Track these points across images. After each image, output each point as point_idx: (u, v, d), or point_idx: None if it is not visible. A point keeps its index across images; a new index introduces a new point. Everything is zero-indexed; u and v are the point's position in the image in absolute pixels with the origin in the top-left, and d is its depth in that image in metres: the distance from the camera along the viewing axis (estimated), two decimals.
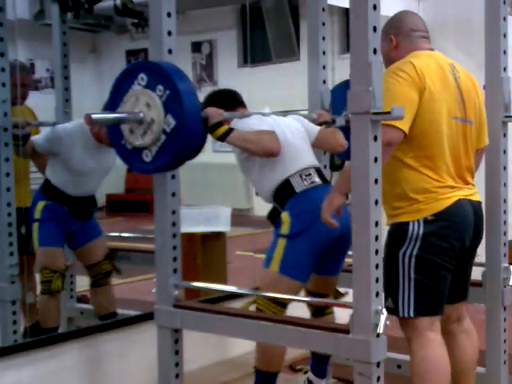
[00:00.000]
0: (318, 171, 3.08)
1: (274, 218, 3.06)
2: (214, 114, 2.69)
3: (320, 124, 3.21)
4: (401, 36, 2.70)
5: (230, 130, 2.76)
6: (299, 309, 3.21)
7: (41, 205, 3.66)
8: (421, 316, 2.58)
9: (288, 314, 2.83)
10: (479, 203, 2.73)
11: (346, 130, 3.03)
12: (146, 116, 2.45)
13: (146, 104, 2.45)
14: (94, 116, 2.41)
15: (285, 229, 2.93)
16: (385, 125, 2.37)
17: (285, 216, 2.95)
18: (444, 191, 2.58)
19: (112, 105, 2.57)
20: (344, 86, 3.34)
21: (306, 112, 3.36)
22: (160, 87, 2.43)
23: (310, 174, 3.02)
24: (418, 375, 2.57)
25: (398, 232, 2.60)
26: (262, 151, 2.87)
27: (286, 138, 3.00)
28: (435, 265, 2.58)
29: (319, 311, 3.24)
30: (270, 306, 2.87)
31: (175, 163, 2.53)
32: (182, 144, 2.44)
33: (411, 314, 2.57)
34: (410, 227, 2.56)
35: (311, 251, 2.94)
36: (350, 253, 2.71)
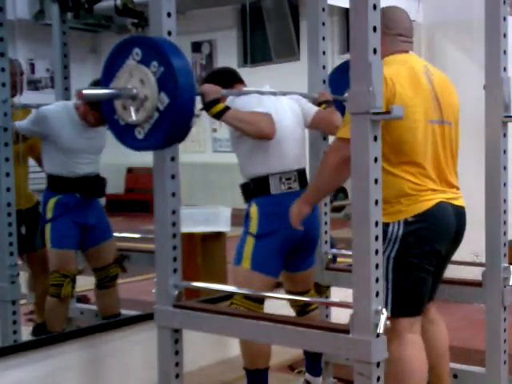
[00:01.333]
0: (301, 174, 3.09)
1: (245, 190, 3.09)
2: (211, 90, 2.65)
3: (320, 103, 3.21)
4: (387, 37, 2.66)
5: (227, 109, 2.74)
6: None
7: (52, 202, 3.66)
8: (398, 317, 2.57)
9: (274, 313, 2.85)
10: (462, 208, 2.71)
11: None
12: (140, 92, 2.39)
13: (139, 80, 2.39)
14: (84, 92, 2.37)
15: (253, 227, 2.98)
16: (341, 139, 2.40)
17: (253, 211, 2.99)
18: (425, 194, 2.58)
19: (105, 79, 2.50)
20: (341, 69, 3.39)
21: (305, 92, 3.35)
22: (154, 63, 2.36)
23: (289, 179, 3.05)
24: (393, 376, 2.56)
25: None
26: (256, 133, 2.85)
27: (282, 125, 2.97)
28: (413, 267, 2.57)
29: (303, 310, 3.28)
30: (245, 304, 2.91)
31: (167, 142, 2.47)
32: (175, 123, 2.38)
33: (388, 314, 2.56)
34: (390, 228, 2.56)
35: (279, 249, 3.01)
36: (349, 252, 2.73)
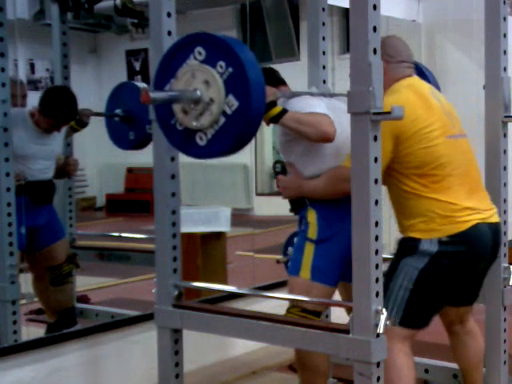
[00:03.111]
0: None
1: (296, 203, 2.94)
2: (269, 92, 2.46)
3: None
4: (391, 65, 2.68)
5: (285, 111, 2.61)
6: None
7: None
8: (404, 327, 2.55)
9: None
10: (498, 224, 2.68)
11: None
12: (204, 95, 2.24)
13: (203, 81, 2.23)
14: (152, 94, 2.23)
15: (312, 233, 2.83)
16: None
17: (311, 216, 2.85)
18: (461, 214, 2.54)
19: (159, 80, 2.35)
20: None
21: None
22: (221, 63, 2.22)
23: None
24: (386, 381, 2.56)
25: (410, 244, 2.56)
26: (316, 135, 2.67)
27: (336, 127, 2.76)
28: (437, 284, 2.54)
29: None
30: (303, 317, 2.76)
31: (233, 149, 2.31)
32: (244, 128, 2.22)
33: (397, 321, 2.54)
34: (423, 244, 2.52)
35: (339, 255, 2.83)
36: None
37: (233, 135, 2.24)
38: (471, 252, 2.55)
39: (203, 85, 2.25)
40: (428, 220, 2.53)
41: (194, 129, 2.29)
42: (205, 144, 2.29)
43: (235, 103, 2.21)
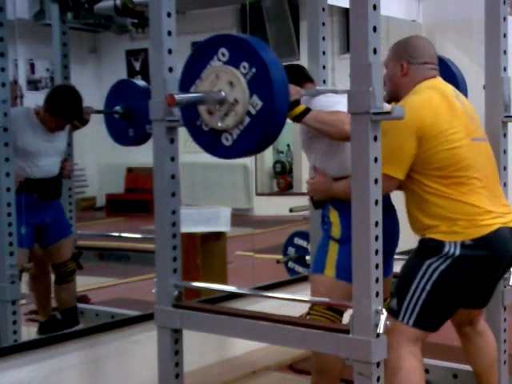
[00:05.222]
0: None
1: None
2: (292, 91, 2.50)
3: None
4: (413, 66, 2.65)
5: (308, 110, 2.62)
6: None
7: None
8: (417, 328, 2.52)
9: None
10: None
11: None
12: (229, 96, 2.27)
13: (228, 82, 2.27)
14: (177, 97, 2.27)
15: (335, 232, 2.82)
16: (385, 175, 2.34)
17: (334, 216, 2.84)
18: (484, 217, 2.51)
19: (185, 82, 2.40)
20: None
21: None
22: (245, 64, 2.25)
23: None
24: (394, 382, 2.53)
25: (432, 245, 2.53)
26: (338, 134, 2.66)
27: None
28: (455, 287, 2.52)
29: None
30: (326, 315, 2.76)
31: (258, 148, 2.36)
32: (269, 128, 2.26)
33: (410, 322, 2.52)
34: (446, 247, 2.49)
35: None
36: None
37: (258, 135, 2.27)
38: (492, 257, 2.52)
39: (227, 86, 2.28)
40: (451, 222, 2.51)
41: (220, 129, 2.32)
42: (230, 144, 2.33)
43: (259, 103, 2.25)
